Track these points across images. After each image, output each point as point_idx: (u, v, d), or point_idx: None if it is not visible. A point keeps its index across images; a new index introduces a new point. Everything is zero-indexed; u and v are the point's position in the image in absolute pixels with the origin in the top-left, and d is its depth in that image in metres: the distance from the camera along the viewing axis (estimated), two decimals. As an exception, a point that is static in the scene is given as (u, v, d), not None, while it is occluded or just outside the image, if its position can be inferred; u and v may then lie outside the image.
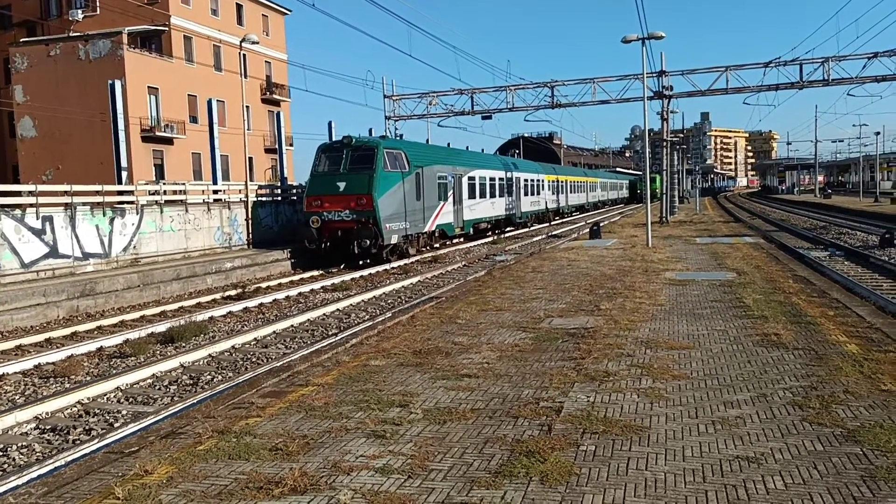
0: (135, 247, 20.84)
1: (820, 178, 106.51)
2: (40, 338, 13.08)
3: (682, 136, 57.10)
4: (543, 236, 34.15)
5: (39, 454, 7.28)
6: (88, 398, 8.95)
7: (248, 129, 30.26)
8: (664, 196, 39.33)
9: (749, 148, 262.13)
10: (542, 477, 4.70)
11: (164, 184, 25.05)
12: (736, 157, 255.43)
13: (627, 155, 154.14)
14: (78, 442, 7.49)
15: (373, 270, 21.94)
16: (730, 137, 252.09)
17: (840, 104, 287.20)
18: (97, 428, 7.97)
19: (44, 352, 11.75)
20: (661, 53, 44.63)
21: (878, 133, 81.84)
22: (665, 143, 38.57)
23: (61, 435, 7.82)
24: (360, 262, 23.55)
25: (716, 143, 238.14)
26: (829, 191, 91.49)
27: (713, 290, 12.54)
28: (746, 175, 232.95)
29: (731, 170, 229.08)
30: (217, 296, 17.80)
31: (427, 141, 37.33)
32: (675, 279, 14.27)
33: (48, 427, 8.06)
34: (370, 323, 12.75)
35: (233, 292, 18.20)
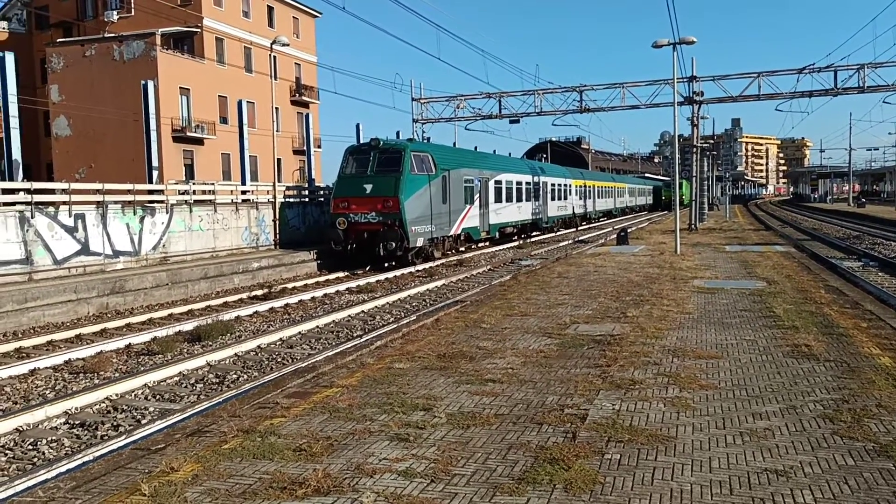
0: (164, 245, 21.10)
1: (854, 187, 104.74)
2: (71, 334, 13.29)
3: (712, 142, 56.42)
4: (570, 241, 33.97)
5: (68, 448, 7.38)
6: (117, 394, 9.07)
7: (276, 131, 30.52)
8: (693, 203, 38.90)
9: (781, 155, 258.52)
10: (566, 485, 4.66)
11: (193, 184, 25.36)
12: (767, 164, 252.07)
13: (657, 160, 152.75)
14: (106, 438, 7.58)
15: (398, 273, 21.98)
16: (761, 144, 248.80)
17: (876, 112, 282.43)
18: (125, 424, 8.06)
19: (74, 347, 11.93)
20: (693, 59, 44.25)
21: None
22: (695, 150, 38.15)
23: (90, 430, 7.93)
24: (386, 265, 23.60)
25: (747, 150, 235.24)
26: (863, 200, 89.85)
27: (742, 299, 12.37)
28: (777, 182, 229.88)
29: (762, 177, 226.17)
30: (244, 295, 17.95)
31: (454, 144, 37.34)
32: (703, 287, 14.10)
33: (77, 422, 8.17)
34: (395, 325, 12.77)
35: (259, 292, 18.34)
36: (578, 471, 4.86)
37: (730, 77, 34.34)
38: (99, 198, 19.16)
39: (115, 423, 8.10)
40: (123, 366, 10.99)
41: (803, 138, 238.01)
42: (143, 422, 8.07)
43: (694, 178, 39.01)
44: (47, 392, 9.59)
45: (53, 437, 7.66)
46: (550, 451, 5.23)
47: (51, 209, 17.80)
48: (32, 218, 17.13)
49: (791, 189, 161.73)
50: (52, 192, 18.87)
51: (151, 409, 8.65)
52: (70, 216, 18.14)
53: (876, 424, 5.67)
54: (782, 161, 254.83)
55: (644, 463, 5.03)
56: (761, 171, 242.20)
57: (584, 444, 5.37)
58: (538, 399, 6.62)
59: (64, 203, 18.19)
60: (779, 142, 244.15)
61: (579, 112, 36.83)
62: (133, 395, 9.23)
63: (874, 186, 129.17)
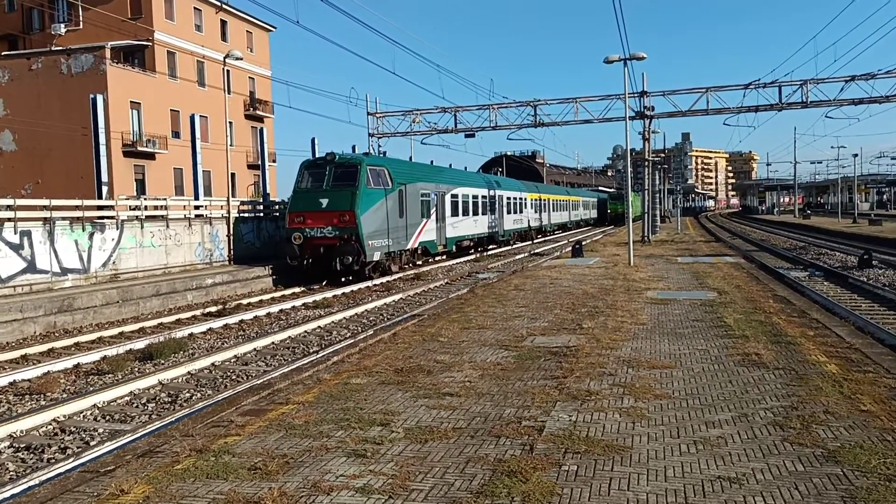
0: (114, 262, 20.63)
1: (799, 199, 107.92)
2: (16, 354, 12.87)
3: (663, 156, 57.31)
4: (526, 254, 34.22)
5: (13, 473, 7.13)
6: (64, 416, 8.81)
7: (230, 145, 30.17)
8: (645, 215, 39.57)
9: (730, 168, 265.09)
10: (523, 497, 4.67)
11: (144, 199, 24.89)
12: (717, 177, 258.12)
13: (610, 174, 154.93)
14: (53, 461, 7.35)
15: (355, 287, 21.85)
16: (711, 158, 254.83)
17: (819, 126, 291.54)
18: (73, 447, 7.83)
19: (19, 368, 11.56)
20: (643, 74, 45.08)
21: (855, 155, 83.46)
22: (647, 163, 38.87)
23: (36, 454, 7.68)
24: (343, 279, 23.46)
25: (697, 164, 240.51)
26: (809, 211, 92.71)
27: (694, 310, 12.60)
28: (727, 195, 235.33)
29: (712, 190, 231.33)
30: (197, 312, 17.64)
31: (410, 158, 37.40)
32: (656, 298, 14.33)
33: (22, 445, 7.91)
34: (352, 340, 12.68)
35: (213, 309, 18.03)
36: (536, 483, 4.88)
37: (679, 92, 35.12)
38: (46, 214, 18.67)
39: (62, 446, 7.85)
40: (72, 386, 10.68)
41: (751, 152, 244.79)
42: (92, 443, 7.85)
43: (646, 191, 39.70)
44: (-10, 415, 9.26)
45: (-3, 462, 7.39)
46: (508, 464, 5.24)
47: (-5, 226, 17.27)
48: (-25, 235, 16.59)
49: (739, 201, 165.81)
50: (-4, 208, 18.33)
51: (101, 430, 8.42)
52: (15, 233, 17.62)
53: (824, 430, 5.82)
54: (731, 174, 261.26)
55: (601, 473, 5.07)
56: (711, 183, 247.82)
57: (542, 457, 5.39)
58: (496, 412, 6.63)
59: (9, 220, 17.66)
60: (727, 155, 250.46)
61: (534, 126, 37.24)
62: (82, 416, 8.97)
63: (819, 198, 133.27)
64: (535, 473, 5.05)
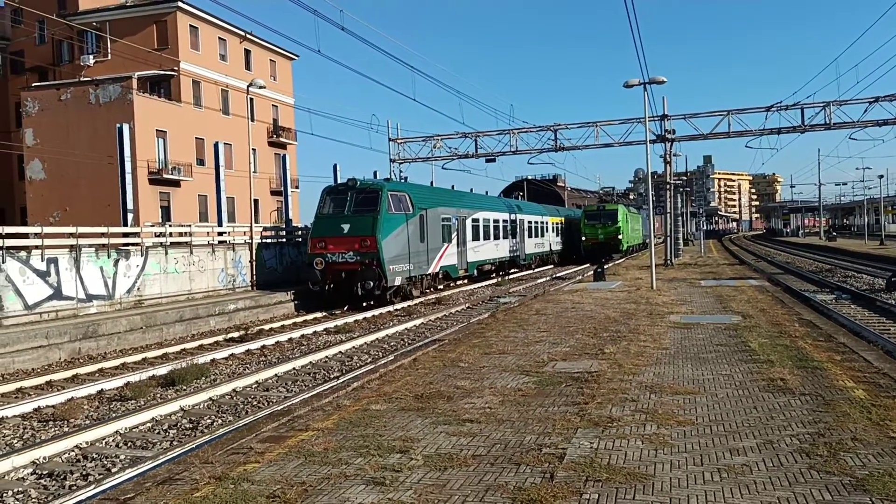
0: (139, 288, 20.86)
1: (825, 221, 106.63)
2: (41, 380, 13.01)
3: (685, 178, 56.66)
4: (548, 278, 34.08)
5: (35, 500, 7.17)
6: (87, 442, 8.86)
7: (254, 172, 30.53)
8: (668, 238, 39.24)
9: (753, 190, 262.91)
10: (543, 526, 4.60)
11: (169, 226, 25.20)
12: (740, 199, 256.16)
13: (632, 197, 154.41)
14: (74, 488, 7.39)
15: (376, 312, 21.87)
16: (733, 180, 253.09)
17: (843, 147, 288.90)
18: (94, 473, 7.86)
19: (44, 394, 11.67)
20: (664, 98, 44.94)
21: (881, 176, 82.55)
22: (668, 186, 38.68)
23: (58, 480, 7.72)
24: (364, 304, 23.50)
25: (720, 186, 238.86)
26: (834, 234, 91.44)
27: (718, 334, 12.44)
28: (751, 217, 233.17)
29: (735, 212, 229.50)
30: (220, 338, 17.73)
31: (431, 183, 37.58)
32: (679, 322, 14.17)
33: (45, 472, 7.95)
34: (372, 366, 12.66)
35: (235, 334, 18.13)
36: (556, 512, 4.81)
37: (700, 115, 35.02)
38: (72, 241, 18.95)
39: (84, 473, 7.89)
40: (95, 412, 10.76)
41: (774, 174, 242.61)
42: (114, 470, 7.88)
43: (668, 214, 39.46)
44: (14, 441, 9.34)
45: (20, 489, 7.44)
46: (528, 493, 5.17)
47: (23, 253, 17.55)
48: (3, 262, 16.88)
49: (763, 223, 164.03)
50: (24, 236, 18.64)
51: (122, 456, 8.45)
52: (42, 260, 17.90)
53: (852, 458, 5.68)
54: (754, 196, 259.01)
55: (622, 502, 4.99)
56: (734, 206, 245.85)
57: (563, 485, 5.32)
58: (516, 439, 6.57)
59: (36, 247, 17.95)
60: (750, 177, 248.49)
61: (554, 150, 37.29)
62: (104, 442, 9.02)
63: (844, 220, 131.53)
64: (556, 502, 4.98)
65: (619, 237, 45.54)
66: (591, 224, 46.50)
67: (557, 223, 48.69)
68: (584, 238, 46.49)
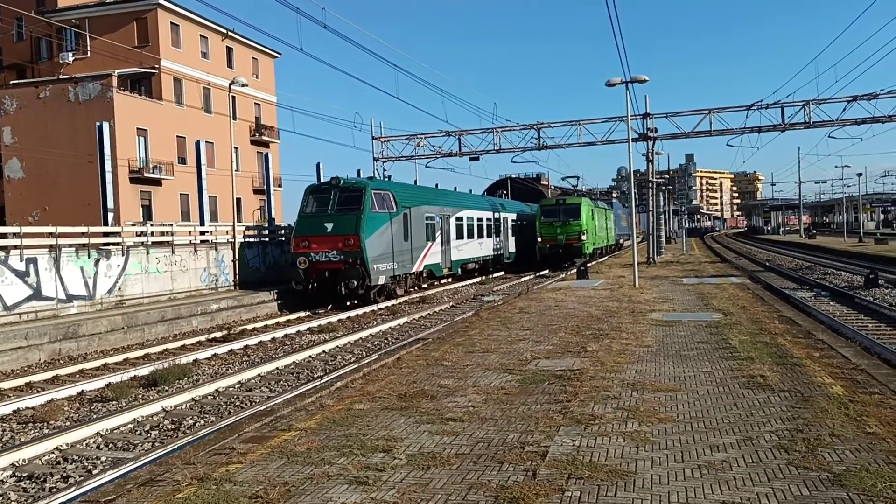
0: (120, 288, 20.69)
1: (806, 219, 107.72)
2: (20, 382, 12.88)
3: (667, 177, 56.87)
4: (531, 276, 34.16)
5: (15, 502, 7.11)
6: (67, 444, 8.79)
7: (236, 171, 30.35)
8: (650, 236, 39.47)
9: (734, 189, 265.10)
10: (526, 524, 4.62)
11: (150, 225, 25.02)
12: (722, 197, 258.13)
13: (615, 195, 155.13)
14: (55, 490, 7.33)
15: (360, 311, 21.84)
16: (715, 178, 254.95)
17: (822, 146, 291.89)
18: (75, 475, 7.80)
19: (23, 396, 11.56)
20: (646, 96, 45.38)
21: (860, 174, 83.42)
22: (651, 185, 38.90)
23: (38, 482, 7.65)
24: (348, 303, 23.46)
25: (701, 184, 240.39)
26: (814, 231, 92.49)
27: (699, 331, 12.55)
28: (733, 215, 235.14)
29: (717, 210, 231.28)
30: (202, 338, 17.63)
31: (415, 182, 37.52)
32: (661, 320, 14.28)
33: (25, 474, 7.88)
34: (356, 365, 12.65)
35: (218, 334, 18.03)
36: (539, 509, 4.83)
37: (682, 114, 35.23)
38: (52, 241, 18.76)
39: (64, 475, 7.83)
40: (75, 414, 10.67)
41: (755, 172, 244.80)
42: (94, 472, 7.82)
43: (650, 212, 39.67)
44: (-6, 443, 9.25)
45: (-1, 491, 7.37)
46: (511, 491, 5.20)
47: (0, 253, 17.35)
48: (-19, 263, 16.68)
49: (745, 221, 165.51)
50: (2, 235, 18.41)
51: (103, 458, 8.39)
52: (21, 260, 17.71)
53: (829, 454, 5.76)
54: (736, 194, 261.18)
55: (604, 499, 5.03)
56: (716, 204, 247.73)
57: (545, 482, 5.35)
58: (499, 437, 6.59)
59: (15, 247, 17.75)
60: (732, 176, 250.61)
61: (537, 149, 37.34)
62: (84, 444, 8.95)
63: (824, 218, 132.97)
64: (538, 500, 5.01)
65: (583, 238, 38.26)
66: (548, 222, 38.78)
67: None
68: (539, 239, 38.82)
